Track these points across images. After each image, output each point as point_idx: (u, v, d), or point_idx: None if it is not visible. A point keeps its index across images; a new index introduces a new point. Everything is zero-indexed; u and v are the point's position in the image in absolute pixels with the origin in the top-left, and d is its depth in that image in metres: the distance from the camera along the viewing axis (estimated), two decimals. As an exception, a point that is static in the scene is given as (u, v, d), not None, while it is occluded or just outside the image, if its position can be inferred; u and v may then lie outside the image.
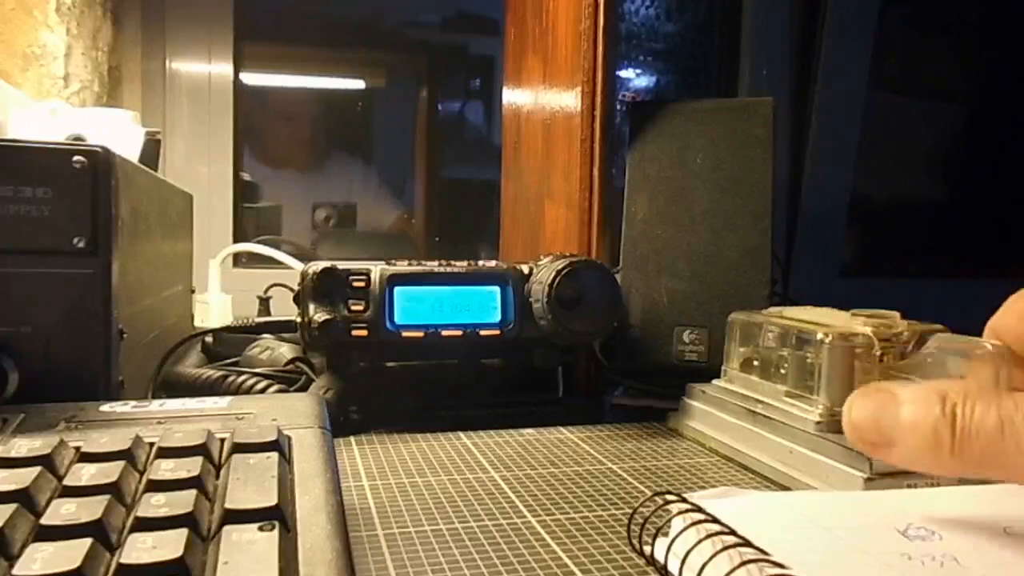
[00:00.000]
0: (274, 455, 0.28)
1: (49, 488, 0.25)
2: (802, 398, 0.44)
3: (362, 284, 0.52)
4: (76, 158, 0.39)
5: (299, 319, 0.52)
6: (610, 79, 0.60)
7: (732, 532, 0.28)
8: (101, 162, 0.40)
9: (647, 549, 0.32)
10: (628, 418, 0.57)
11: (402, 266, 0.54)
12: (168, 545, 0.22)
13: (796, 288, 1.08)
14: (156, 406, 0.35)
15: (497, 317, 0.55)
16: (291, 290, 0.54)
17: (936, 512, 0.31)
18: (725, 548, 0.27)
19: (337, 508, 0.26)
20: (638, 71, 1.21)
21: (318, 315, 0.51)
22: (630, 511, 0.35)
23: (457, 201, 1.31)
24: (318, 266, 0.52)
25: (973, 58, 1.35)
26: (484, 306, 0.55)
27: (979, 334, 0.32)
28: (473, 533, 0.35)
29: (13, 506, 0.23)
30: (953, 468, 0.25)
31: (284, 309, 0.68)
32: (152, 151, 0.69)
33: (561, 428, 0.53)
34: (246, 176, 1.11)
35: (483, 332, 0.54)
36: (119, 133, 0.65)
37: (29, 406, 0.34)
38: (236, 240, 1.02)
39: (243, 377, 0.54)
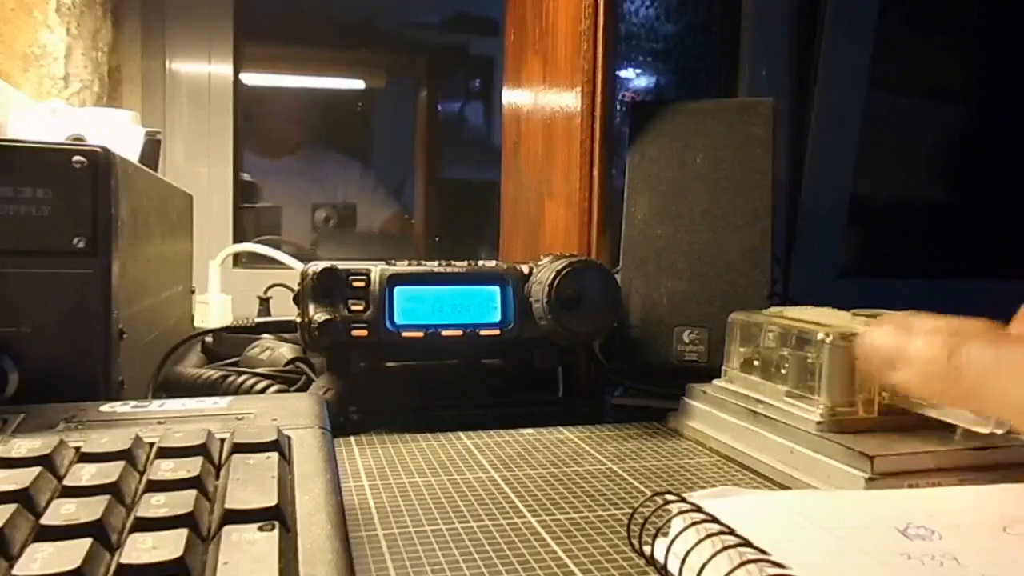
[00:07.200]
0: (274, 455, 0.28)
1: (49, 488, 0.25)
2: (803, 398, 0.44)
3: (362, 284, 0.52)
4: (76, 158, 0.39)
5: (299, 319, 0.52)
6: (610, 79, 0.61)
7: (732, 532, 0.28)
8: (101, 162, 0.40)
9: (647, 549, 0.32)
10: (628, 418, 0.57)
11: (402, 266, 0.54)
12: (168, 545, 0.21)
13: (796, 288, 1.08)
14: (156, 406, 0.35)
15: (497, 317, 0.55)
16: (291, 290, 0.54)
17: (936, 512, 0.31)
18: (725, 548, 0.27)
19: (337, 508, 0.26)
20: (638, 71, 1.21)
21: (318, 315, 0.51)
22: (630, 511, 0.35)
23: (457, 201, 1.31)
24: (318, 266, 0.52)
25: (973, 58, 1.35)
26: (484, 306, 0.55)
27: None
28: (473, 533, 0.35)
29: (13, 506, 0.23)
30: (948, 396, 0.31)
31: (284, 309, 0.68)
32: (152, 151, 0.69)
33: (561, 428, 0.53)
34: (246, 176, 1.11)
35: (483, 332, 0.54)
36: (119, 133, 0.65)
37: (29, 406, 0.34)
38: (236, 240, 1.02)
39: (243, 377, 0.54)
